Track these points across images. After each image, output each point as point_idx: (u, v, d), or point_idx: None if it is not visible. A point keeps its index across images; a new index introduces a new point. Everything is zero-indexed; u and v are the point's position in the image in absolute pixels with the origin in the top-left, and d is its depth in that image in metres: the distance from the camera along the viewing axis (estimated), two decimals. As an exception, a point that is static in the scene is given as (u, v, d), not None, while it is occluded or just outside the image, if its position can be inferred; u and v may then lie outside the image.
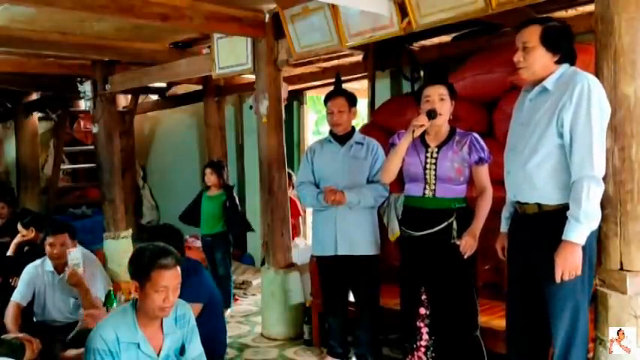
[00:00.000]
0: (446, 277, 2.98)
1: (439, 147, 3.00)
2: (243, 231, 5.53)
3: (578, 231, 2.25)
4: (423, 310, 3.03)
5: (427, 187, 2.99)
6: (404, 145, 2.95)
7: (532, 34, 2.38)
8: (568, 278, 2.27)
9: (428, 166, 2.98)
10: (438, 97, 2.95)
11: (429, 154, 2.99)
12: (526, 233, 2.49)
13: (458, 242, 2.92)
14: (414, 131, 2.89)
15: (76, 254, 3.53)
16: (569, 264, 2.25)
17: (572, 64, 2.42)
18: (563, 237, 2.27)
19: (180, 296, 2.55)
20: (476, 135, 3.05)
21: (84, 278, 3.51)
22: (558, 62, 2.39)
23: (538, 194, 2.41)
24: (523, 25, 2.44)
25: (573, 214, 2.25)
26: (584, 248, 2.29)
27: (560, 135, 2.32)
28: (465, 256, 2.92)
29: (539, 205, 2.42)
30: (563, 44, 2.38)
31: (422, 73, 3.10)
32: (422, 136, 2.99)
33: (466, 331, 2.99)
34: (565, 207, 2.31)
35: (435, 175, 2.97)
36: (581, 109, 2.24)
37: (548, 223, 2.39)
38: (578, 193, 2.24)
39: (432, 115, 2.89)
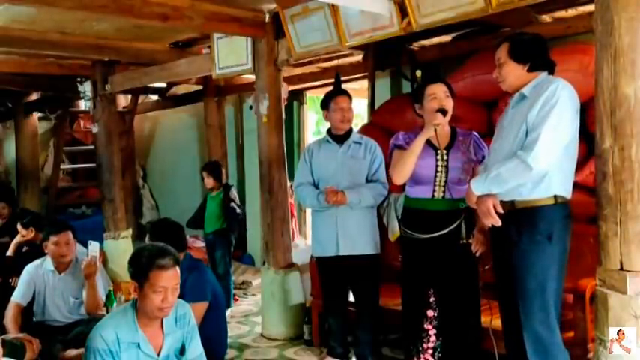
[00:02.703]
0: (455, 278, 2.98)
1: (447, 149, 3.00)
2: (237, 228, 5.48)
3: (479, 184, 2.55)
4: (431, 313, 3.03)
5: (437, 189, 2.99)
6: (420, 145, 2.92)
7: (502, 51, 2.61)
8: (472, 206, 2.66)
9: (439, 169, 2.97)
10: (443, 94, 2.96)
11: (439, 157, 2.98)
12: (502, 231, 2.57)
13: (470, 241, 2.92)
14: (435, 130, 2.89)
15: (95, 246, 3.62)
16: (466, 197, 2.68)
17: (551, 71, 2.58)
18: (472, 179, 2.64)
19: (183, 295, 2.55)
20: (475, 133, 3.07)
21: (96, 273, 3.55)
22: (532, 70, 2.56)
23: (512, 192, 2.51)
24: (497, 44, 2.65)
25: (490, 170, 2.52)
26: (550, 245, 2.46)
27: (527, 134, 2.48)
28: (477, 254, 2.93)
29: (512, 202, 2.53)
30: (532, 54, 2.56)
31: (419, 72, 3.11)
32: (428, 139, 2.97)
33: (474, 330, 3.00)
34: (534, 205, 2.48)
35: (446, 177, 2.97)
36: (544, 108, 2.40)
37: (519, 221, 2.52)
38: (505, 161, 2.46)
39: (444, 113, 2.90)
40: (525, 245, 2.50)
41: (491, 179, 2.49)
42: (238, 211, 5.28)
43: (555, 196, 2.48)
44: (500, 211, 2.50)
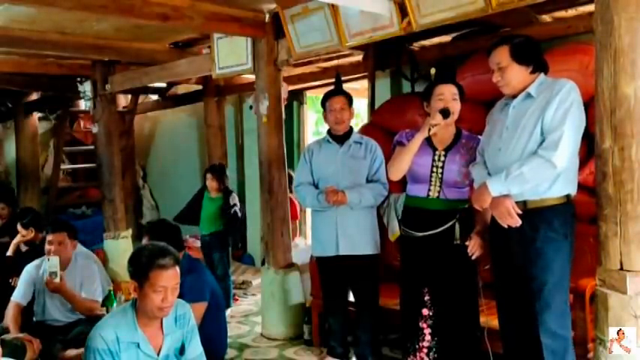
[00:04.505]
0: (450, 278, 2.98)
1: (446, 150, 3.00)
2: (236, 235, 5.46)
3: (497, 184, 2.51)
4: (425, 311, 3.03)
5: (432, 188, 2.99)
6: (417, 143, 2.94)
7: (502, 54, 2.57)
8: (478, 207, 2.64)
9: (435, 169, 2.98)
10: (451, 96, 2.95)
11: (436, 157, 2.99)
12: (511, 232, 2.56)
13: (467, 243, 2.91)
14: (429, 129, 2.89)
15: (53, 262, 3.51)
16: (476, 198, 2.63)
17: (546, 72, 2.60)
18: (487, 180, 2.55)
19: (182, 296, 2.55)
20: (481, 138, 3.05)
21: (63, 285, 3.52)
22: (533, 72, 2.57)
23: (527, 192, 2.51)
24: (492, 47, 2.62)
25: (509, 170, 2.47)
26: (566, 243, 2.49)
27: (543, 133, 2.47)
28: (474, 257, 2.92)
29: (525, 202, 2.53)
30: (533, 55, 2.57)
31: (433, 70, 3.09)
32: (428, 138, 2.98)
33: (469, 331, 2.99)
34: (548, 204, 2.49)
35: (441, 178, 2.97)
36: (561, 107, 2.42)
37: (533, 221, 2.51)
38: (527, 160, 2.44)
39: (446, 114, 2.89)
40: (542, 244, 2.50)
41: (512, 179, 2.46)
42: (240, 215, 5.24)
43: (567, 195, 2.52)
44: (519, 211, 2.51)
